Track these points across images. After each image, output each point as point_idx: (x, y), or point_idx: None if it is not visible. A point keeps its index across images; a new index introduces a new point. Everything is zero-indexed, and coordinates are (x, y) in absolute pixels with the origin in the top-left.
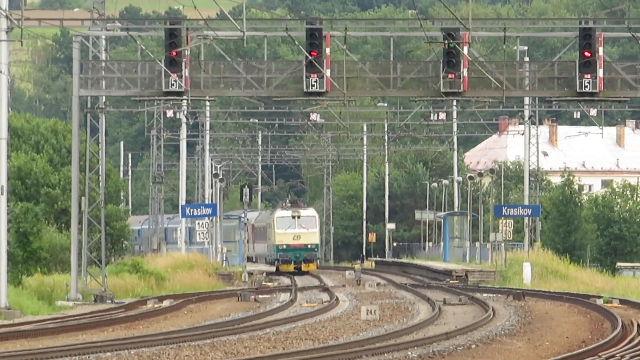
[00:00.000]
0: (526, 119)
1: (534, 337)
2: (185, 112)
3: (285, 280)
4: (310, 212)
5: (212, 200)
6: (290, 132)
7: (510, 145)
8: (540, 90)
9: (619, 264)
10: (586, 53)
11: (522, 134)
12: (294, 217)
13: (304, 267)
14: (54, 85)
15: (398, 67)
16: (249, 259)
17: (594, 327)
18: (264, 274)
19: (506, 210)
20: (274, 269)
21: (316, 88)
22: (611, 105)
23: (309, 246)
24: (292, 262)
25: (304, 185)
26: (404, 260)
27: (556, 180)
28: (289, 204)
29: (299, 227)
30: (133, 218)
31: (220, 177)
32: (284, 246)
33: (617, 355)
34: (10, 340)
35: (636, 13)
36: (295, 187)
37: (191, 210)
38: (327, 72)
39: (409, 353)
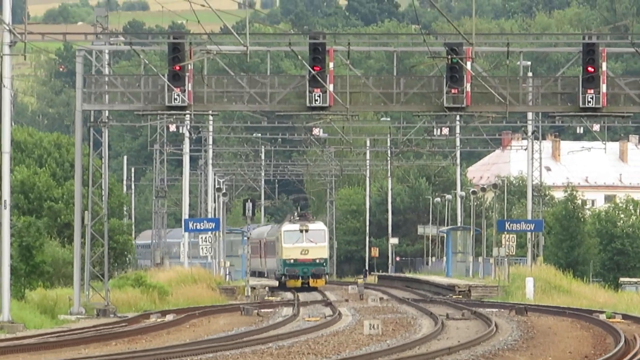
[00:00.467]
0: (529, 134)
1: (536, 352)
2: (188, 127)
3: (288, 295)
4: (319, 226)
5: (215, 214)
6: (293, 146)
7: (513, 160)
8: (544, 106)
9: (622, 279)
10: (589, 68)
11: (525, 149)
12: (302, 230)
13: (312, 283)
14: (57, 99)
15: (401, 82)
16: (260, 274)
17: (597, 342)
18: (267, 288)
19: (509, 225)
20: (277, 283)
21: (319, 103)
22: (614, 121)
23: (317, 261)
24: (300, 278)
25: (307, 200)
26: (407, 275)
27: (559, 195)
28: (297, 217)
29: (307, 241)
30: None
31: (223, 191)
32: (291, 261)
33: None
34: (12, 354)
35: None
36: (299, 202)
37: (194, 224)
38: (330, 87)
39: None
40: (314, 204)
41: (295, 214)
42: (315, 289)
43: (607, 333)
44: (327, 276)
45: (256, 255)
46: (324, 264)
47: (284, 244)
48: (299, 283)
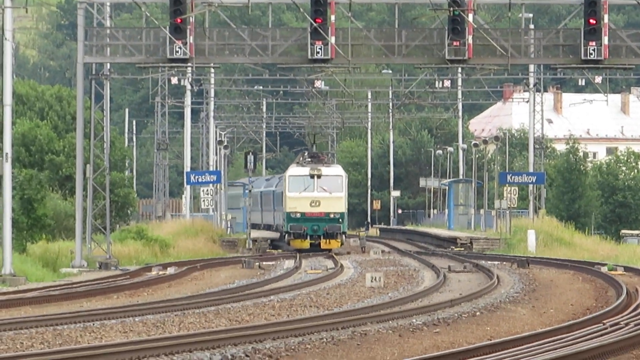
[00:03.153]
0: (531, 86)
1: (538, 305)
2: (190, 79)
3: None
4: (335, 171)
5: (216, 167)
6: (295, 99)
7: (515, 113)
8: (545, 58)
9: (623, 231)
10: (591, 20)
11: (527, 102)
12: (312, 176)
13: (323, 244)
14: (58, 52)
15: (403, 35)
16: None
17: (599, 295)
18: (268, 241)
19: (511, 177)
20: (277, 235)
21: (321, 55)
22: (616, 73)
23: (332, 216)
24: (308, 237)
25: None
26: (409, 227)
27: (561, 147)
28: (308, 159)
29: (320, 189)
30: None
31: (225, 144)
32: (297, 215)
33: (622, 322)
34: (14, 307)
35: None
36: (302, 152)
37: (196, 177)
38: (332, 39)
39: (414, 320)
40: None
41: (306, 153)
42: (329, 251)
43: (609, 285)
44: (343, 236)
45: (268, 208)
46: (341, 220)
47: (289, 193)
48: (306, 244)
